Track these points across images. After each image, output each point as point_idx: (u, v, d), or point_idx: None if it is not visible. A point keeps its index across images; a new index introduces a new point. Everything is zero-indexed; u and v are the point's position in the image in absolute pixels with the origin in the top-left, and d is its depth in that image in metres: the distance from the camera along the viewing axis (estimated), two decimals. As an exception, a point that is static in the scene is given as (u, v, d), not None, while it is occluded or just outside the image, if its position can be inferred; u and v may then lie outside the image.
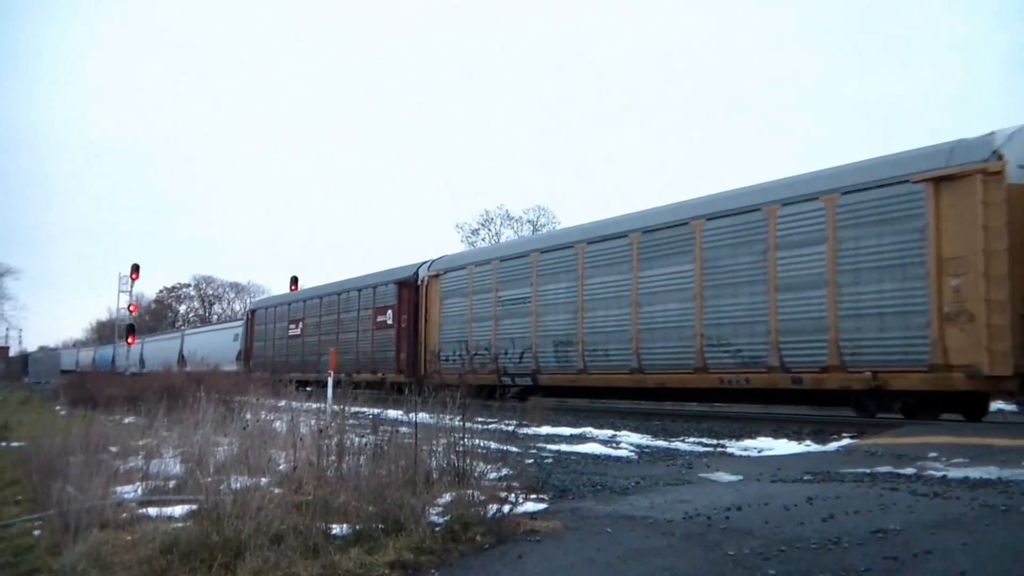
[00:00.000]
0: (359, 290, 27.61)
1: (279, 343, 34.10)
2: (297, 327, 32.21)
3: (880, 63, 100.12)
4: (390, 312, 25.35)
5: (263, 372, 31.14)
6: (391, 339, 25.19)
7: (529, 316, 19.52)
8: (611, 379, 17.42)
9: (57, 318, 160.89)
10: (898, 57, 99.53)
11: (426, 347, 23.49)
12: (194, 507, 5.86)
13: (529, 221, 51.96)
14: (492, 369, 19.81)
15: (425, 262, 24.60)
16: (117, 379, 27.28)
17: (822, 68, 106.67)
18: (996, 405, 15.53)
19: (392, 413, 10.17)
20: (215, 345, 42.07)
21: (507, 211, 52.88)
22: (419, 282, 24.19)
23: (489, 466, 6.59)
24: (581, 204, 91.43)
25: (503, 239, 49.46)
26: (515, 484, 6.13)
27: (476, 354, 20.83)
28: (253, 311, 38.18)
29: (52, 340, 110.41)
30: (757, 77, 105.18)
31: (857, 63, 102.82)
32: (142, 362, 53.72)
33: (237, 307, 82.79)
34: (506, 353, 20.03)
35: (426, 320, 23.63)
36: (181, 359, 46.37)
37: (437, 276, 23.43)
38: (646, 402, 20.16)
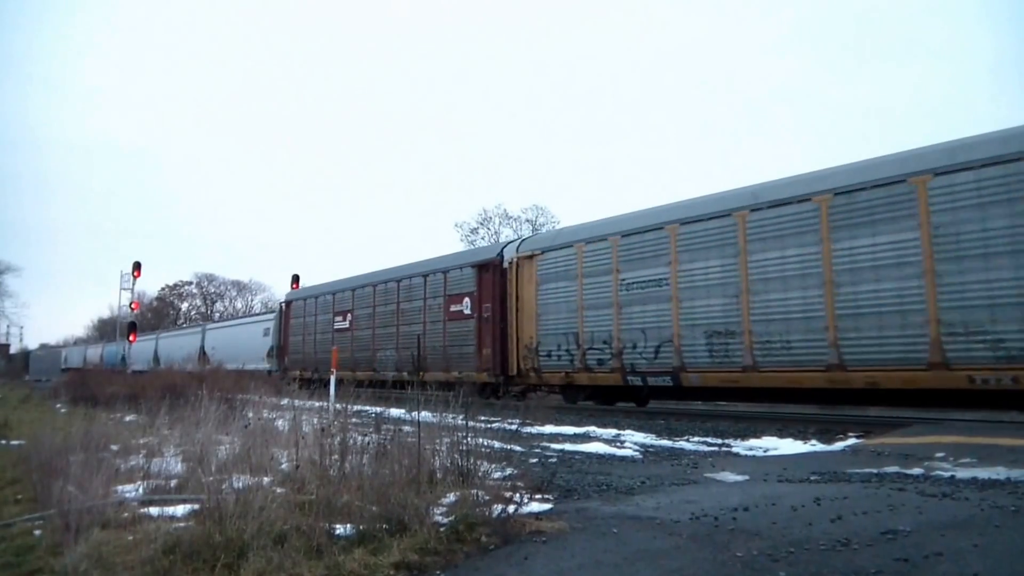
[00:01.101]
0: (425, 276, 23.80)
1: (321, 338, 29.79)
2: (345, 319, 28.08)
3: (868, 68, 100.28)
4: (467, 300, 21.62)
5: (302, 370, 29.33)
6: (469, 332, 21.40)
7: (667, 301, 16.11)
8: (795, 378, 14.03)
9: (58, 316, 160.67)
10: (885, 62, 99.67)
11: (518, 341, 19.64)
12: (196, 507, 5.81)
13: (528, 220, 52.04)
14: (615, 367, 16.81)
15: (512, 241, 21.69)
16: (118, 377, 27.09)
17: (813, 72, 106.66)
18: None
19: (395, 412, 10.11)
20: (242, 340, 38.69)
21: (505, 210, 53.01)
22: (505, 265, 20.40)
23: (493, 465, 6.56)
24: (579, 204, 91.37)
25: (501, 238, 49.49)
26: (520, 484, 6.09)
27: (590, 349, 17.50)
28: (288, 302, 33.78)
29: (53, 338, 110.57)
30: (749, 79, 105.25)
31: (846, 67, 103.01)
32: (157, 359, 50.76)
33: (239, 304, 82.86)
34: (634, 347, 16.65)
35: (518, 309, 19.73)
36: (202, 356, 43.01)
37: (531, 257, 19.54)
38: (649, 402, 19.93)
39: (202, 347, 44.38)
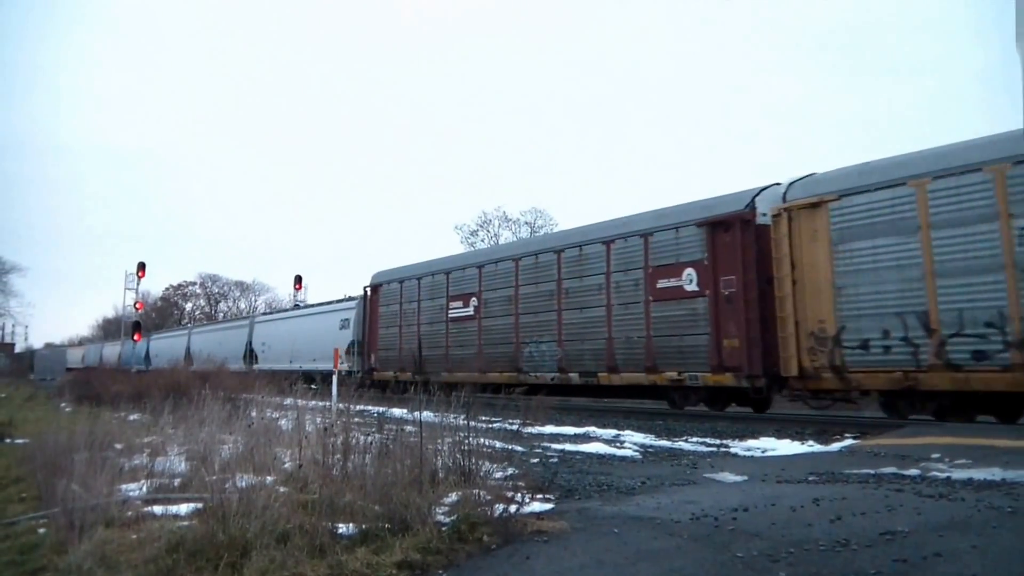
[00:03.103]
0: (608, 242, 17.78)
1: (428, 330, 23.89)
2: (467, 304, 22.22)
3: (858, 82, 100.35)
4: (689, 273, 15.89)
5: (397, 371, 24.67)
6: (695, 316, 15.71)
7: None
8: None
9: (63, 315, 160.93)
10: (875, 76, 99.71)
11: (797, 327, 14.06)
12: (199, 505, 5.85)
13: (527, 223, 51.99)
14: (1015, 362, 11.30)
15: (767, 187, 15.33)
16: (123, 376, 26.88)
17: (806, 83, 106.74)
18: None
19: (397, 412, 10.16)
20: (309, 334, 32.01)
21: (504, 213, 52.88)
22: (761, 219, 14.84)
23: (495, 465, 6.59)
24: (579, 207, 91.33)
25: (501, 241, 49.52)
26: (521, 484, 6.12)
27: (956, 336, 11.95)
28: (376, 286, 27.22)
29: (58, 337, 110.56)
30: (744, 84, 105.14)
31: (836, 81, 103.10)
32: (189, 358, 42.76)
33: (243, 305, 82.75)
34: None
35: (794, 281, 14.13)
36: (249, 354, 38.22)
37: (816, 205, 13.97)
38: (648, 402, 19.79)
39: (249, 344, 39.03)
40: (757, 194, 15.13)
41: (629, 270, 17.21)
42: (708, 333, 15.44)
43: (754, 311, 14.66)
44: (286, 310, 40.22)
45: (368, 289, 27.84)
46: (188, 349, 44.30)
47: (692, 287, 15.96)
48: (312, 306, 35.68)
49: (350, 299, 31.29)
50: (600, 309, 17.77)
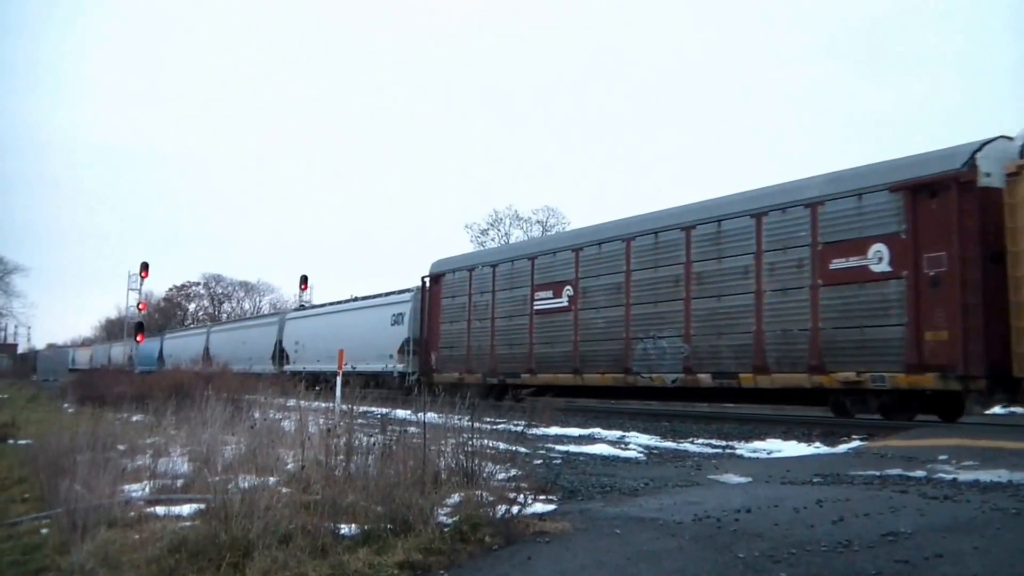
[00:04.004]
0: (758, 215, 14.85)
1: (507, 324, 20.55)
2: (559, 294, 18.94)
3: (880, 76, 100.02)
4: (878, 249, 12.94)
5: (464, 373, 21.58)
6: (886, 302, 12.84)
7: None
8: None
9: (66, 316, 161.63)
10: (898, 71, 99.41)
11: None
12: (202, 506, 5.86)
13: (538, 222, 51.96)
14: None
15: (988, 140, 12.45)
16: (125, 377, 26.79)
17: (825, 79, 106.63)
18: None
19: (400, 413, 10.16)
20: (356, 331, 28.16)
21: (516, 211, 52.83)
22: (985, 181, 12.01)
23: (498, 466, 6.58)
24: (591, 205, 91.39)
25: (512, 240, 49.52)
26: (524, 485, 6.11)
27: None
28: (437, 276, 23.89)
29: (61, 338, 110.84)
30: (760, 82, 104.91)
31: (857, 75, 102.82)
32: (208, 358, 39.58)
33: (247, 305, 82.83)
34: None
35: None
36: (279, 355, 35.16)
37: None
38: (655, 403, 19.61)
39: (279, 343, 35.74)
40: (977, 149, 12.28)
41: (789, 248, 14.14)
42: (903, 324, 12.51)
43: (975, 295, 11.77)
44: (324, 305, 35.71)
45: (427, 279, 24.30)
46: (207, 349, 41.53)
47: (882, 267, 12.94)
48: (357, 300, 31.87)
49: (403, 291, 27.79)
50: (745, 297, 14.77)
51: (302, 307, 38.18)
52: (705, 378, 15.30)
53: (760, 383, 14.44)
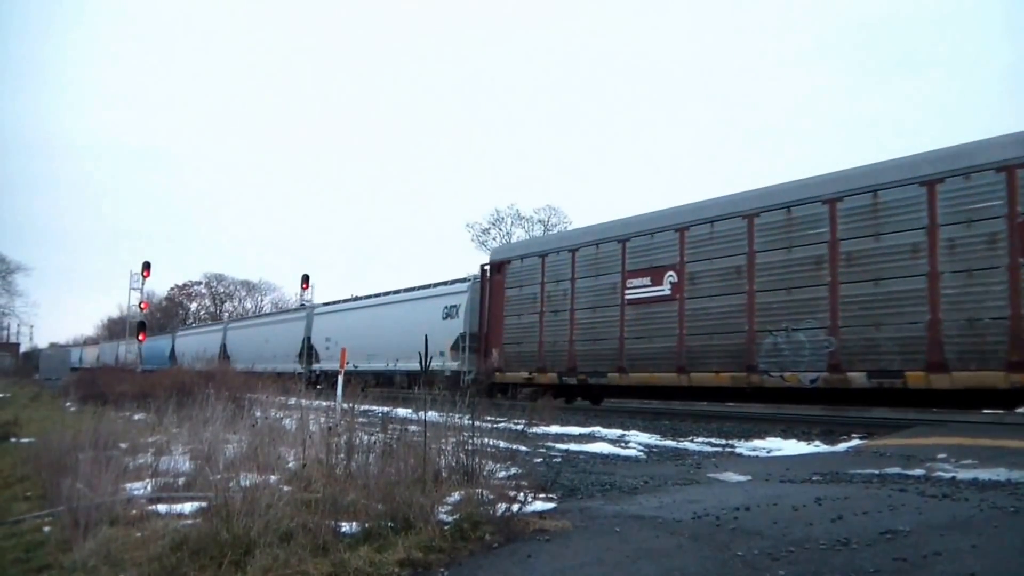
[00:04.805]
0: (930, 182, 12.78)
1: (591, 316, 18.24)
2: (659, 281, 16.66)
3: (875, 78, 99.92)
4: None
5: (533, 372, 19.46)
6: None
7: None
8: None
9: (68, 315, 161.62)
10: (893, 72, 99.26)
11: None
12: (204, 504, 5.88)
13: (540, 221, 51.97)
14: None
15: None
16: (127, 376, 26.73)
17: (820, 81, 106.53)
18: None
19: (401, 411, 10.18)
20: (401, 326, 25.67)
21: (518, 211, 52.81)
22: None
23: (498, 465, 6.60)
24: (592, 204, 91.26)
25: (514, 239, 49.49)
26: (524, 483, 6.13)
27: None
28: (500, 263, 21.52)
29: (63, 337, 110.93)
30: (757, 83, 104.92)
31: (853, 77, 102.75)
32: (225, 357, 38.64)
33: (249, 304, 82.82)
34: None
35: None
36: (307, 352, 32.88)
37: None
38: (655, 401, 19.49)
39: (307, 340, 33.40)
40: None
41: (974, 221, 12.11)
42: None
43: None
44: (358, 298, 32.60)
45: (488, 268, 22.08)
46: (223, 347, 39.80)
47: None
48: (400, 292, 29.02)
49: (458, 281, 25.59)
50: (913, 280, 12.71)
51: (337, 300, 35.45)
52: (858, 377, 13.17)
53: (935, 383, 12.33)
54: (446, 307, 24.19)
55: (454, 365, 22.53)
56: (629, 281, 17.33)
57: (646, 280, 16.96)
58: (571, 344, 18.56)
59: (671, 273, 16.43)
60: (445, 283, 26.15)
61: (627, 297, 17.28)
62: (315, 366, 31.46)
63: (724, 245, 15.52)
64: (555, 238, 20.47)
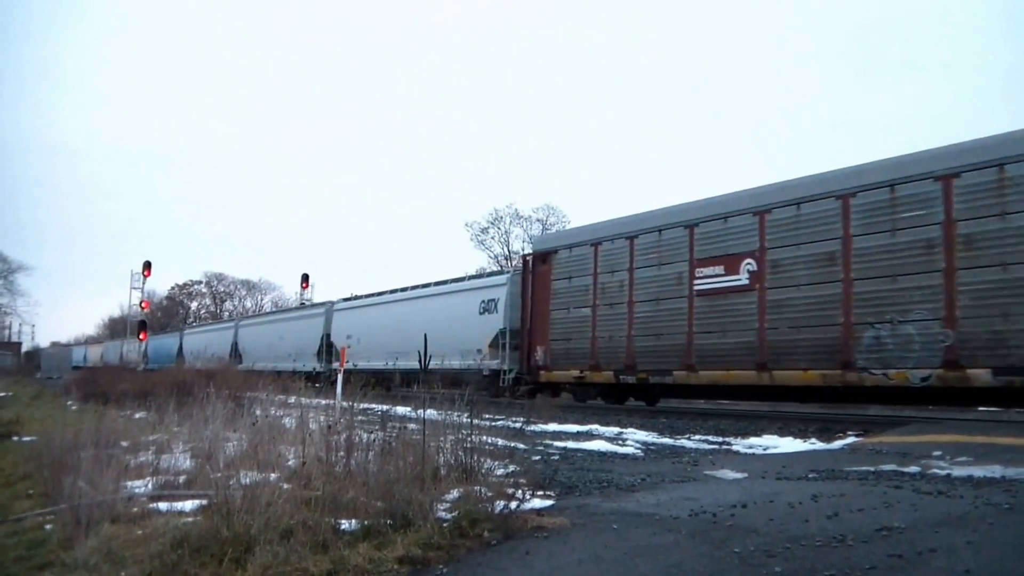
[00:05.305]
0: None
1: (653, 309, 16.73)
2: (734, 270, 15.24)
3: (871, 80, 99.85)
4: None
5: (585, 371, 18.09)
6: None
7: None
8: None
9: (70, 315, 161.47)
10: (889, 74, 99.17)
11: None
12: (204, 502, 5.92)
13: (538, 220, 51.95)
14: None
15: None
16: (128, 375, 26.71)
17: (822, 80, 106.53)
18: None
19: (400, 410, 10.22)
20: (433, 322, 23.55)
21: (516, 210, 52.78)
22: None
23: (496, 462, 6.64)
24: (591, 204, 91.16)
25: (512, 238, 49.57)
26: (522, 481, 6.17)
27: None
28: (545, 254, 20.07)
29: (64, 336, 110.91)
30: (754, 84, 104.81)
31: (850, 79, 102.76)
32: (237, 356, 36.59)
33: (249, 304, 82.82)
34: None
35: None
36: (327, 350, 31.04)
37: None
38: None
39: (326, 337, 31.62)
40: None
41: None
42: None
43: None
44: (382, 293, 30.46)
45: (530, 258, 20.63)
46: (235, 345, 38.26)
47: None
48: (431, 285, 27.28)
49: (495, 273, 24.24)
50: None
51: (358, 296, 33.12)
52: (980, 374, 11.67)
53: None
54: (483, 301, 22.66)
55: (493, 364, 21.14)
56: (698, 270, 15.85)
57: (719, 268, 15.48)
58: (629, 340, 17.07)
59: (749, 260, 14.98)
60: (481, 275, 24.82)
61: (696, 287, 15.83)
62: (335, 365, 29.70)
63: (813, 229, 14.04)
64: (609, 225, 18.52)
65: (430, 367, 19.33)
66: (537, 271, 19.96)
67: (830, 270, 13.62)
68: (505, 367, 20.72)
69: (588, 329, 18.12)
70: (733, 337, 15.01)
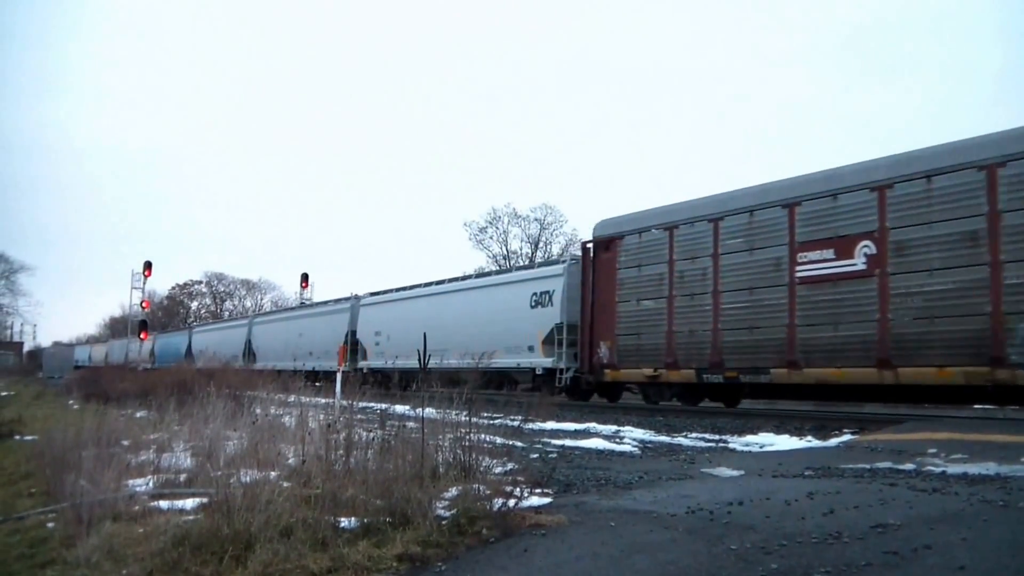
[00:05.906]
0: None
1: (746, 299, 15.03)
2: (847, 253, 13.50)
3: (868, 81, 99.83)
4: None
5: (661, 370, 16.41)
6: None
7: None
8: None
9: (71, 314, 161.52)
10: (885, 75, 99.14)
11: None
12: (205, 500, 5.94)
13: (536, 220, 52.00)
14: None
15: None
16: (129, 375, 26.63)
17: (817, 81, 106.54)
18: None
19: (399, 408, 10.26)
20: (476, 317, 22.46)
21: (514, 209, 52.80)
22: None
23: (495, 460, 6.66)
24: (589, 203, 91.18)
25: (510, 238, 49.61)
26: (520, 478, 6.20)
27: None
28: (609, 240, 18.15)
29: (66, 336, 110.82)
30: (750, 85, 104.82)
31: (847, 80, 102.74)
32: (251, 355, 34.92)
33: (248, 304, 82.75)
34: None
35: None
36: (352, 348, 28.66)
37: None
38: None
39: (352, 335, 29.49)
40: None
41: None
42: None
43: None
44: (415, 287, 28.10)
45: (591, 246, 18.70)
46: (248, 343, 36.57)
47: None
48: (472, 278, 25.49)
49: (550, 263, 22.45)
50: None
51: (388, 290, 30.84)
52: None
53: None
54: (535, 293, 20.62)
55: (547, 362, 19.38)
56: (800, 255, 14.04)
57: (827, 252, 13.67)
58: (715, 334, 15.25)
59: (866, 243, 13.16)
60: (538, 263, 22.82)
61: (798, 274, 14.04)
62: (361, 363, 28.02)
63: (948, 205, 12.19)
64: (687, 207, 16.57)
65: (484, 365, 17.74)
66: (599, 259, 18.14)
67: (972, 252, 11.88)
68: (562, 365, 19.01)
69: (663, 322, 16.36)
70: (846, 330, 13.32)
